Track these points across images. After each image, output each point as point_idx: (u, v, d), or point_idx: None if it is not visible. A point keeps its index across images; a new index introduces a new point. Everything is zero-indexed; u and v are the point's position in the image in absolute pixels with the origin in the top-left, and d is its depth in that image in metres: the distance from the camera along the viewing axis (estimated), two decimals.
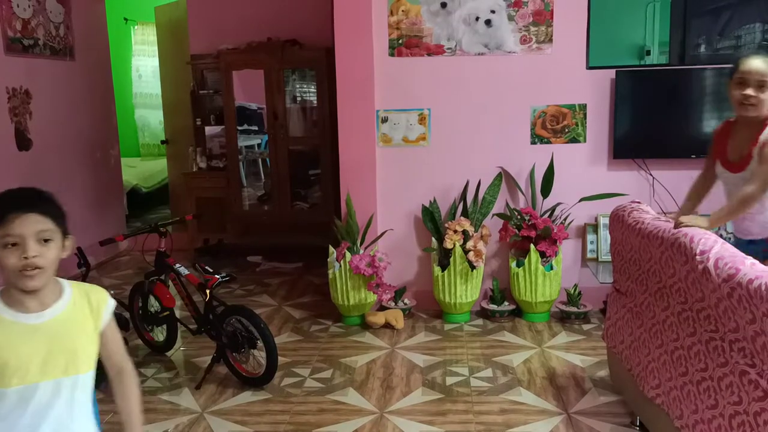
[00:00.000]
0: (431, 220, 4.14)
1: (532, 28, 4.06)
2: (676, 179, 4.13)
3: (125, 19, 8.55)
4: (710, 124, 4.05)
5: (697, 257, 2.09)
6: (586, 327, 4.01)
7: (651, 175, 4.15)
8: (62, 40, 5.30)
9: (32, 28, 4.92)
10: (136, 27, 8.76)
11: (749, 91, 2.31)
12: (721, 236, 2.58)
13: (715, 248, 2.08)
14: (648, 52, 4.36)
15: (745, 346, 1.90)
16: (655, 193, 4.15)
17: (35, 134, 4.95)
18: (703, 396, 2.11)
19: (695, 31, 4.08)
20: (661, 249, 2.36)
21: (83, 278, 3.67)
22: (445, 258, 4.08)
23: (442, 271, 4.07)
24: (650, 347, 2.51)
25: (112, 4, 6.37)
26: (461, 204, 4.19)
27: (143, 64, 8.76)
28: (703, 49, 4.12)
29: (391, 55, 4.13)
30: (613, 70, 4.05)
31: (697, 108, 4.06)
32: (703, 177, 2.62)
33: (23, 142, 4.83)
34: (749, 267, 1.90)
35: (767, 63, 2.28)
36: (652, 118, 4.08)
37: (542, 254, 3.99)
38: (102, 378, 3.31)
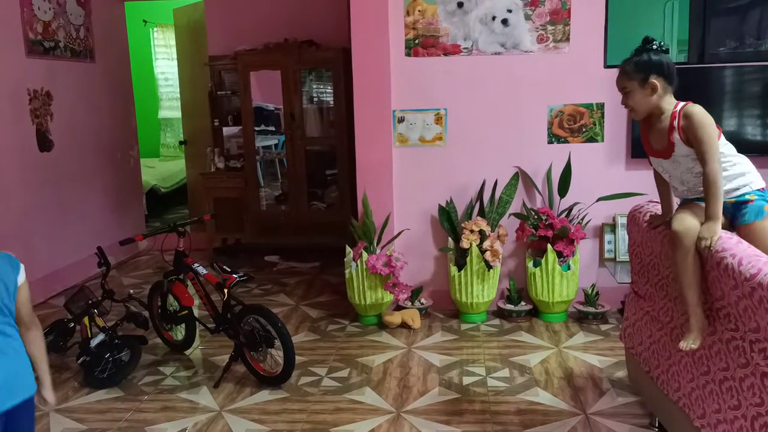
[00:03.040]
0: (448, 220, 4.14)
1: (549, 27, 4.04)
2: None
3: (144, 22, 8.64)
4: (730, 123, 4.02)
5: (718, 255, 2.08)
6: (603, 327, 3.98)
7: None
8: (82, 42, 5.37)
9: (53, 30, 4.98)
10: (155, 29, 8.85)
11: (622, 102, 2.37)
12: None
13: (737, 247, 2.07)
14: (666, 51, 4.31)
15: (766, 347, 1.88)
16: None
17: (56, 135, 5.02)
18: (726, 396, 2.09)
19: (714, 30, 4.04)
20: None
21: (103, 277, 3.72)
22: (461, 258, 4.08)
23: (459, 270, 4.06)
24: (671, 350, 2.49)
25: (131, 6, 6.44)
26: (478, 204, 4.18)
27: (168, 68, 8.82)
28: (722, 47, 4.07)
29: (408, 55, 4.14)
30: None
31: (716, 107, 4.02)
32: (657, 174, 2.61)
33: (44, 143, 4.89)
34: None
35: (624, 73, 2.32)
36: None
37: (559, 254, 3.97)
38: (123, 373, 3.33)
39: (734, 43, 4.08)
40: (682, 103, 2.26)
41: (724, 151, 2.31)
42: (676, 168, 2.37)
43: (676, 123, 2.26)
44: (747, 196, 2.31)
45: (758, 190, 2.33)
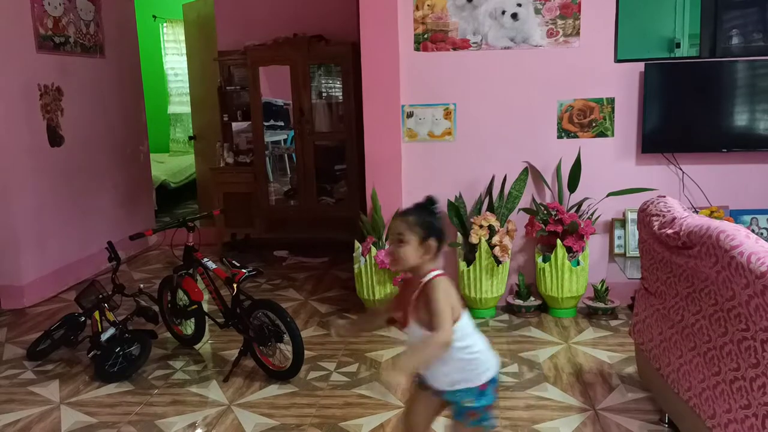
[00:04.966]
0: (457, 215, 4.13)
1: (559, 21, 4.02)
2: (707, 174, 4.07)
3: (154, 17, 8.66)
4: (742, 118, 3.99)
5: (729, 252, 2.06)
6: (613, 323, 3.97)
7: (681, 169, 4.09)
8: (92, 38, 5.38)
9: (63, 25, 5.00)
10: (165, 25, 8.87)
11: (390, 249, 2.11)
12: (753, 231, 2.53)
13: (746, 243, 2.05)
14: (678, 45, 4.29)
15: None
16: (684, 187, 4.09)
17: (66, 131, 5.04)
18: (736, 395, 2.07)
19: (726, 23, 4.00)
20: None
21: (114, 272, 3.74)
22: (470, 253, 4.07)
23: (468, 266, 4.06)
24: (682, 350, 2.47)
25: (140, 2, 6.46)
26: (487, 199, 4.17)
27: (178, 63, 8.84)
28: (734, 41, 4.04)
29: (417, 49, 4.13)
30: (642, 63, 3.99)
31: (728, 101, 3.99)
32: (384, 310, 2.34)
33: (55, 138, 4.92)
34: None
35: (407, 223, 2.05)
36: (681, 112, 4.02)
37: (569, 249, 3.96)
38: (133, 367, 3.36)
39: (746, 36, 4.04)
40: (436, 272, 2.03)
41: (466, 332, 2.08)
42: (411, 336, 2.10)
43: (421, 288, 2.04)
44: (467, 403, 2.08)
45: (478, 390, 2.08)
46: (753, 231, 3.49)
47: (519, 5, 4.01)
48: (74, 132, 5.12)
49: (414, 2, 4.07)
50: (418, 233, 2.03)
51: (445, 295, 1.99)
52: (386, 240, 1.89)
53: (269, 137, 5.84)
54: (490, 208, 4.13)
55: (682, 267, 2.43)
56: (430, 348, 1.96)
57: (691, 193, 4.09)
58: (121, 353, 3.45)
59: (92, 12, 5.38)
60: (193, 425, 2.95)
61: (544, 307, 4.17)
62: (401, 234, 2.03)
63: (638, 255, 3.06)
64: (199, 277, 3.67)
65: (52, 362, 3.66)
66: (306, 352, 3.36)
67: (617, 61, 4.03)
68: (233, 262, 3.45)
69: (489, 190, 4.18)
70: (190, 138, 7.09)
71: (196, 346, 3.81)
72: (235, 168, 5.92)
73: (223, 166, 5.96)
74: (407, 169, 4.23)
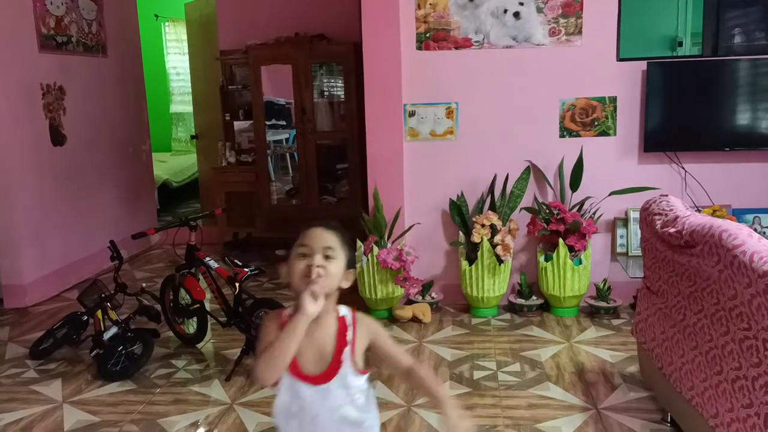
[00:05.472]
0: (459, 214, 4.13)
1: (561, 20, 4.01)
2: (709, 172, 4.07)
3: (156, 16, 8.66)
4: (744, 117, 3.98)
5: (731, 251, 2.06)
6: (615, 322, 3.97)
7: (683, 168, 4.08)
8: (95, 37, 5.39)
9: (65, 25, 5.01)
10: (167, 24, 8.87)
11: (318, 262, 1.65)
12: (755, 230, 2.53)
13: (749, 242, 2.04)
14: (680, 43, 4.28)
15: None
16: (687, 186, 4.09)
17: (69, 130, 5.05)
18: (738, 395, 2.07)
19: (729, 22, 4.00)
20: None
21: (116, 271, 3.75)
22: (472, 252, 4.07)
23: (470, 265, 4.06)
24: (684, 348, 2.47)
25: (143, 1, 6.47)
26: (489, 198, 4.17)
27: (180, 63, 8.85)
28: (736, 40, 4.03)
29: (419, 48, 4.13)
30: (644, 62, 3.99)
31: (730, 100, 3.98)
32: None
33: (57, 137, 4.93)
34: None
35: (338, 237, 1.69)
36: (684, 111, 4.01)
37: (571, 248, 3.96)
38: (136, 366, 3.36)
39: (748, 35, 4.03)
40: (344, 306, 1.73)
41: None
42: (333, 391, 1.66)
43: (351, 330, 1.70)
44: None
45: None
46: (755, 230, 3.49)
47: (521, 4, 4.00)
48: (76, 131, 5.13)
49: (416, 1, 4.07)
50: (347, 256, 1.67)
51: None
52: (297, 250, 1.64)
53: (271, 136, 5.84)
54: (492, 207, 4.13)
55: (685, 266, 2.43)
56: (434, 376, 1.71)
57: (694, 191, 4.08)
58: (123, 352, 3.46)
59: (94, 11, 5.38)
60: (195, 424, 2.96)
61: (546, 306, 4.17)
62: (332, 248, 1.63)
63: (640, 254, 3.06)
64: (201, 276, 3.67)
65: (54, 361, 3.66)
66: None
67: (619, 59, 4.03)
68: (235, 261, 3.45)
69: (491, 189, 4.17)
70: (192, 137, 7.09)
71: (199, 345, 3.81)
72: (237, 167, 5.92)
73: (224, 165, 5.96)
74: (409, 168, 4.23)
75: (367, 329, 1.72)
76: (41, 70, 4.75)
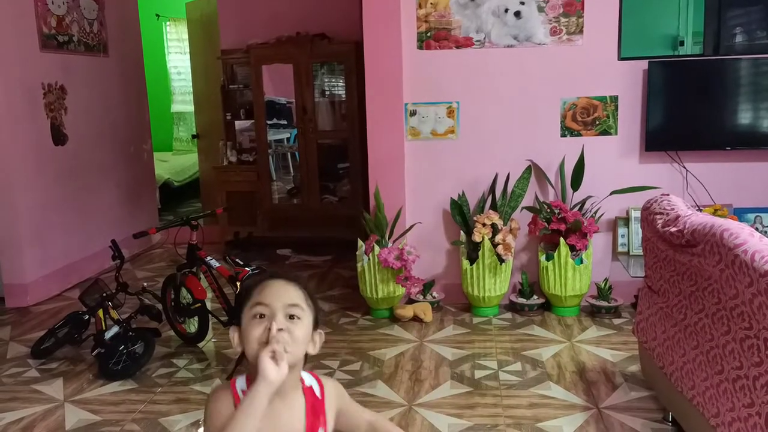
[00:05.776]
0: (460, 214, 4.13)
1: (563, 19, 4.01)
2: (711, 171, 4.07)
3: (157, 15, 8.66)
4: (746, 116, 3.98)
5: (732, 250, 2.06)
6: (616, 321, 3.96)
7: (684, 167, 4.08)
8: (96, 37, 5.39)
9: (67, 24, 5.01)
10: (168, 23, 8.87)
11: (280, 326, 1.40)
12: (756, 229, 2.53)
13: (750, 242, 2.04)
14: (681, 43, 4.27)
15: None
16: (688, 185, 4.09)
17: (70, 129, 5.05)
18: (740, 394, 2.07)
19: (730, 21, 3.99)
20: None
21: (117, 270, 3.75)
22: (473, 251, 4.07)
23: (471, 264, 4.06)
24: (685, 348, 2.47)
25: (144, 0, 6.47)
26: (490, 197, 4.17)
27: (181, 62, 8.85)
28: (738, 39, 4.03)
29: (420, 48, 4.12)
30: (646, 61, 3.99)
31: (731, 99, 3.98)
32: None
33: (59, 137, 4.93)
34: None
35: (302, 292, 1.42)
36: (685, 110, 4.01)
37: (572, 248, 3.96)
38: (137, 365, 3.36)
39: (750, 34, 4.03)
40: (308, 373, 1.50)
41: None
42: None
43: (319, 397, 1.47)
44: None
45: None
46: (757, 229, 3.48)
47: (522, 3, 4.00)
48: (78, 130, 5.13)
49: (417, 0, 4.07)
50: (311, 313, 1.38)
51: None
52: (252, 310, 1.35)
53: (272, 136, 5.84)
54: (493, 207, 4.13)
55: (686, 265, 2.43)
56: (395, 426, 1.56)
57: (695, 191, 4.08)
58: (124, 351, 3.46)
59: (96, 11, 5.38)
60: (196, 423, 2.96)
61: (548, 306, 4.17)
62: (296, 306, 1.34)
63: (641, 253, 3.06)
64: (202, 276, 3.68)
65: (56, 360, 3.67)
66: None
67: (621, 59, 4.03)
68: (236, 260, 3.46)
69: (492, 189, 4.17)
70: (193, 136, 7.10)
71: (200, 345, 3.81)
72: (238, 166, 5.93)
73: (226, 164, 5.97)
74: (410, 168, 4.23)
75: (335, 397, 1.47)
76: (42, 70, 4.75)
